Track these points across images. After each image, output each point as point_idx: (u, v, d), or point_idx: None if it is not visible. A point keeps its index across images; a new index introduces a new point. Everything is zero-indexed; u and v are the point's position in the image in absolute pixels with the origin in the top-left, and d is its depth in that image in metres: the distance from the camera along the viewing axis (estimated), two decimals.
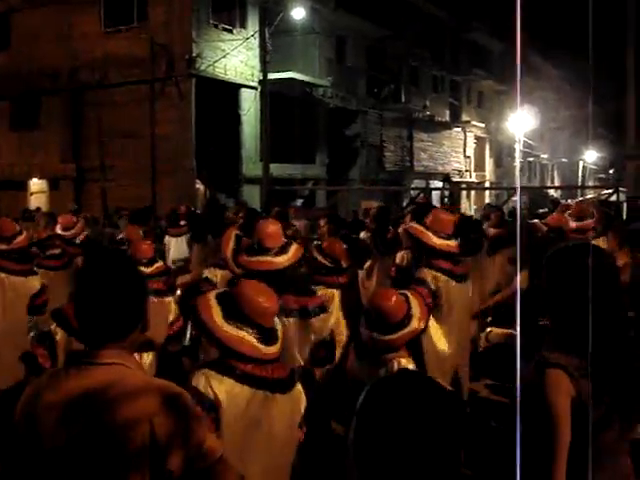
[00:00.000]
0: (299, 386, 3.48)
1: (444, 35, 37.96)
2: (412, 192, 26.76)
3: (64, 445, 2.27)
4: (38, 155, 24.86)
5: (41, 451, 2.31)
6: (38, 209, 17.12)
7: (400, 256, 7.31)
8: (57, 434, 2.29)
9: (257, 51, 23.82)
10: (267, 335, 3.33)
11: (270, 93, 21.70)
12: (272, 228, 5.04)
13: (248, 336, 3.26)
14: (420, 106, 35.32)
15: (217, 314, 3.29)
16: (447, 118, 38.91)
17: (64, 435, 2.28)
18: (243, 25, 23.98)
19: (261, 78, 22.92)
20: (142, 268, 5.40)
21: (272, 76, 22.44)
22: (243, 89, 23.86)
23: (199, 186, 22.59)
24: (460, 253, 5.89)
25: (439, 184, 29.22)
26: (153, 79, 21.94)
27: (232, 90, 23.51)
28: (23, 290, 6.04)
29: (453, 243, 5.69)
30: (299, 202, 23.81)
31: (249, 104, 23.89)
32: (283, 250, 4.95)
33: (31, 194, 25.49)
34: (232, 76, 23.24)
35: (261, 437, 3.21)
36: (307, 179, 26.86)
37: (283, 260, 4.91)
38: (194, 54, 21.71)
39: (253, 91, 24.02)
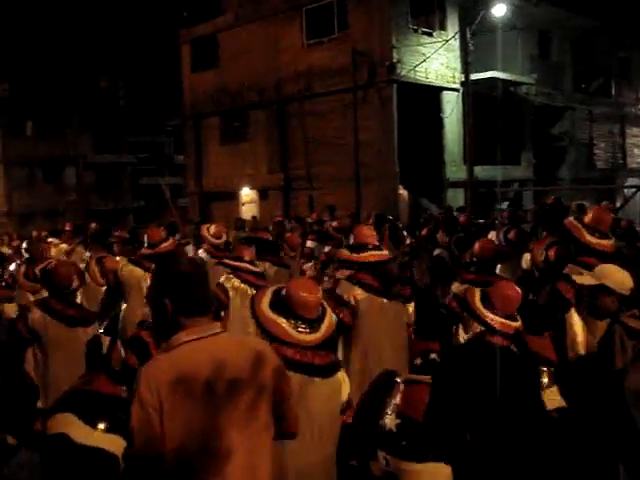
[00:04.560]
0: (341, 374, 3.99)
1: None
2: (625, 191, 25.35)
3: (225, 389, 2.92)
4: (248, 167, 25.96)
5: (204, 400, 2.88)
6: (254, 217, 17.92)
7: (524, 258, 7.76)
8: (217, 384, 2.90)
9: (457, 52, 23.39)
10: (307, 325, 3.83)
11: (472, 94, 21.26)
12: (367, 230, 6.23)
13: (286, 323, 3.79)
14: (632, 99, 33.26)
15: (265, 303, 3.88)
16: None
17: (225, 382, 2.91)
18: (443, 27, 23.65)
19: (462, 80, 22.49)
20: None
21: (473, 77, 21.94)
22: (444, 92, 23.53)
23: (402, 191, 22.53)
24: (614, 254, 5.75)
25: None
26: (355, 87, 22.15)
27: (433, 93, 23.27)
28: None
29: (607, 243, 5.71)
30: (504, 205, 23.11)
31: (451, 107, 23.53)
32: (379, 248, 6.02)
33: (242, 204, 26.63)
34: (433, 79, 22.98)
35: (300, 415, 3.50)
36: (512, 180, 26.07)
37: (384, 254, 5.98)
38: (394, 60, 21.66)
39: (455, 93, 23.64)
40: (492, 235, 10.20)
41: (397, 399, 3.42)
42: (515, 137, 26.15)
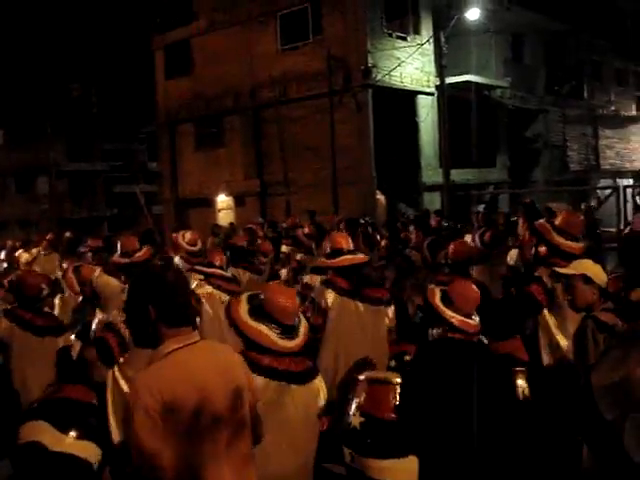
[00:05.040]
0: (319, 379, 4.01)
1: (625, 24, 35.90)
2: (599, 192, 25.55)
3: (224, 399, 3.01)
4: (223, 173, 25.84)
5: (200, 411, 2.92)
6: (231, 224, 17.83)
7: (510, 255, 8.11)
8: (212, 392, 2.96)
9: (432, 57, 23.47)
10: (287, 331, 3.87)
11: (447, 98, 21.32)
12: (340, 237, 6.44)
13: (267, 330, 3.81)
14: (604, 101, 33.61)
15: (244, 310, 3.88)
16: (634, 112, 36.74)
17: (222, 389, 3.00)
18: (417, 31, 23.68)
19: (437, 83, 22.56)
20: None
21: (448, 80, 22.04)
22: (419, 96, 23.57)
23: (379, 196, 22.53)
24: (583, 255, 5.78)
25: (629, 182, 27.59)
26: (331, 92, 22.09)
27: (408, 98, 23.30)
28: None
29: (576, 245, 5.81)
30: (481, 207, 23.20)
31: (426, 111, 23.57)
32: (354, 252, 6.20)
33: (219, 210, 26.47)
34: (408, 84, 23.00)
35: (276, 422, 3.69)
36: (488, 183, 26.17)
37: (358, 258, 6.13)
38: (370, 64, 21.68)
39: (429, 97, 23.68)
40: (468, 237, 10.38)
41: (360, 398, 3.54)
42: (490, 140, 26.27)
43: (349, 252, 6.14)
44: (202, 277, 7.26)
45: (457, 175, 22.55)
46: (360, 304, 5.92)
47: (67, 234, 13.01)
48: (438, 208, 20.30)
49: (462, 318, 4.44)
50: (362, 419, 3.53)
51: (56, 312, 7.61)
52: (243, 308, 3.93)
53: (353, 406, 3.92)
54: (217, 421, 2.95)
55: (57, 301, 8.05)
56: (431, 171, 23.65)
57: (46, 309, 6.42)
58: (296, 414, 3.85)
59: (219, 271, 7.29)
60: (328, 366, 5.69)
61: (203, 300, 6.96)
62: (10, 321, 5.88)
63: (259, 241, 10.47)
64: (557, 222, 5.95)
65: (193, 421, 2.88)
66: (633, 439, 2.32)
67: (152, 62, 29.08)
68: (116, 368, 4.96)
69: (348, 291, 5.92)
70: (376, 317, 5.97)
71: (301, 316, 4.15)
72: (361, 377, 4.16)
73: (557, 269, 5.15)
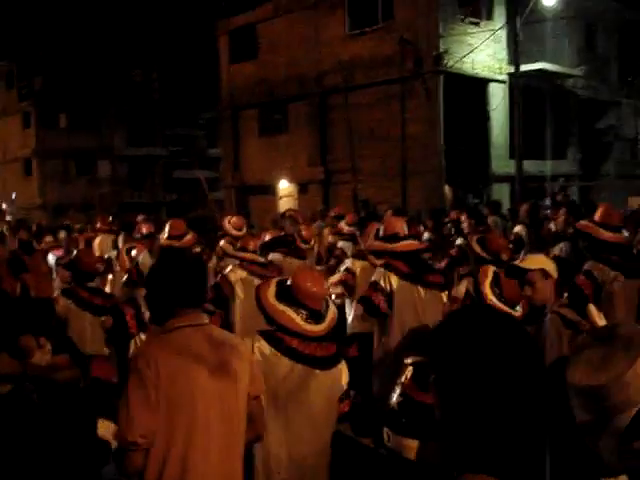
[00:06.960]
0: (342, 364, 4.06)
1: None
2: None
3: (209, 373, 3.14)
4: (286, 160, 25.47)
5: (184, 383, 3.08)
6: (283, 213, 17.40)
7: (559, 248, 8.20)
8: (201, 367, 3.13)
9: (504, 43, 22.81)
10: (314, 316, 3.92)
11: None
12: (397, 222, 6.44)
13: (294, 314, 3.87)
14: None
15: (271, 294, 3.96)
16: None
17: (208, 365, 3.15)
18: (490, 17, 23.02)
19: (510, 71, 21.87)
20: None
21: (521, 68, 21.31)
22: (491, 84, 22.92)
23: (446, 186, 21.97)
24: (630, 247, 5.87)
25: None
26: (400, 78, 21.53)
27: (480, 85, 22.68)
28: None
29: (622, 235, 5.76)
30: (547, 200, 22.54)
31: (497, 99, 22.90)
32: (410, 237, 6.20)
33: (280, 198, 26.14)
34: (480, 71, 22.36)
35: (298, 405, 3.84)
36: (558, 175, 25.41)
37: (418, 243, 6.38)
38: (441, 50, 21.08)
39: (501, 85, 23.03)
40: (518, 229, 10.54)
41: (402, 378, 3.44)
42: (561, 131, 25.47)
43: (405, 237, 6.14)
44: (237, 262, 7.53)
45: (526, 166, 21.82)
46: (421, 289, 5.96)
47: (139, 217, 13.11)
48: (504, 199, 19.76)
49: (504, 307, 4.48)
50: (401, 399, 3.33)
51: (107, 290, 8.08)
52: (271, 291, 4.01)
53: (397, 390, 3.78)
54: (207, 403, 3.11)
55: (109, 280, 8.62)
56: (500, 161, 22.99)
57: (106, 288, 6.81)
58: (318, 398, 3.93)
59: (252, 256, 7.48)
60: (393, 350, 5.79)
61: (238, 285, 7.20)
62: (67, 299, 6.19)
63: (300, 227, 10.42)
64: (597, 218, 5.87)
65: (184, 396, 3.05)
66: (609, 444, 2.13)
67: (215, 47, 28.87)
68: (138, 340, 5.48)
69: (410, 275, 5.93)
70: (436, 302, 6.00)
71: (330, 302, 4.23)
72: (407, 361, 4.00)
73: (516, 263, 4.99)
